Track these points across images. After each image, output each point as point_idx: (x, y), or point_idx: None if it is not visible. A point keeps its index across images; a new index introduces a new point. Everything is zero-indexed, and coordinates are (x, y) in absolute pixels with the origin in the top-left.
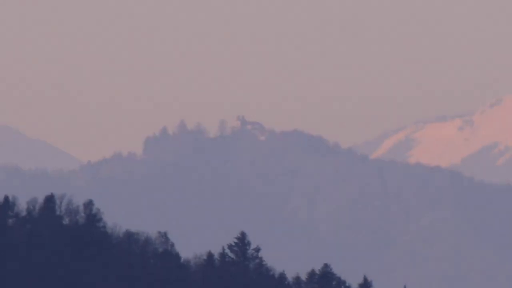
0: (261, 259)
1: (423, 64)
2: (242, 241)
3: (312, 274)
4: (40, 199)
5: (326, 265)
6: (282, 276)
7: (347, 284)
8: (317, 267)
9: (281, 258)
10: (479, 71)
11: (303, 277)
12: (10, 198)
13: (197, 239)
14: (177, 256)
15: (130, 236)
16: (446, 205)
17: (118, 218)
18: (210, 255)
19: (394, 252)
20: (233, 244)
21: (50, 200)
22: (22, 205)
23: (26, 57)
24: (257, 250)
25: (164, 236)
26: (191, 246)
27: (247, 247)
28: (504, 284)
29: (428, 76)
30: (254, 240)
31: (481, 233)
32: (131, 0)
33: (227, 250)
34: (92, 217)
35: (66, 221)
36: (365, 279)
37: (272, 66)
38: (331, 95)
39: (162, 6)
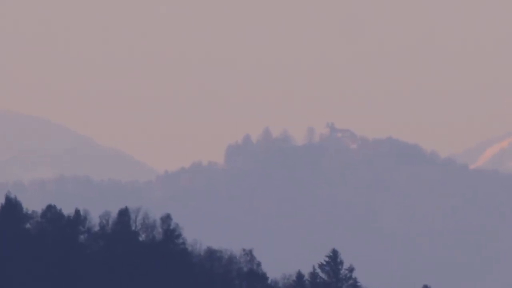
0: (355, 279)
1: None
2: (334, 260)
3: None
4: (114, 212)
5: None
6: None
7: None
8: (416, 287)
9: (376, 278)
10: None
11: None
12: (82, 212)
13: (285, 257)
14: (263, 276)
15: (212, 254)
16: None
17: (199, 233)
18: (299, 276)
19: (499, 275)
20: (324, 263)
21: (124, 214)
22: (94, 220)
23: (97, 60)
24: (351, 270)
25: (249, 254)
26: (279, 265)
27: (340, 267)
28: None
29: None
30: (347, 258)
31: None
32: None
33: (318, 270)
34: (170, 233)
35: (142, 237)
36: None
37: (363, 69)
38: (428, 101)
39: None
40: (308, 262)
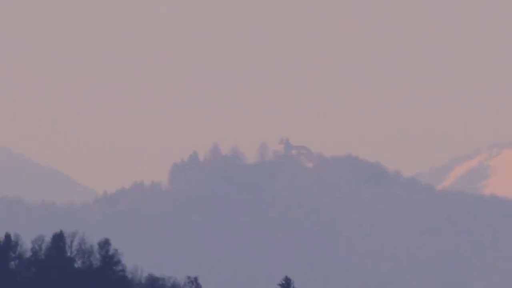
0: None
1: (499, 78)
2: None
3: None
4: (48, 237)
5: None
6: None
7: None
8: None
9: None
10: None
11: None
12: (12, 236)
13: (234, 285)
14: None
15: (154, 282)
16: None
17: (140, 260)
18: None
19: None
20: None
21: (59, 238)
22: (26, 245)
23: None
24: None
25: (194, 282)
26: None
27: None
28: None
29: (505, 92)
30: (301, 287)
31: None
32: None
33: None
34: (109, 259)
35: (78, 263)
36: None
37: (320, 81)
38: (390, 115)
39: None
40: None
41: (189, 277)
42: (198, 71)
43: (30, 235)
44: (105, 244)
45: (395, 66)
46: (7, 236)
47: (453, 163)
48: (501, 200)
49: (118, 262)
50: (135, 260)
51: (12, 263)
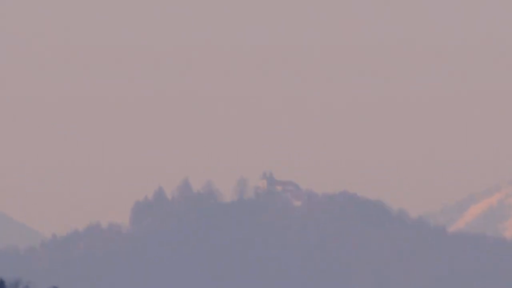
0: None
1: None
2: None
3: None
4: None
5: None
6: None
7: None
8: None
9: None
10: None
11: None
12: None
13: None
14: None
15: None
16: None
17: None
18: None
19: None
20: None
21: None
22: None
23: None
24: None
25: None
26: None
27: None
28: None
29: None
30: None
31: None
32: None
33: None
34: None
35: None
36: None
37: (310, 106)
38: (393, 144)
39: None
40: None
41: None
42: (163, 93)
43: None
44: None
45: (399, 86)
46: None
47: (469, 201)
48: None
49: None
50: None
51: None
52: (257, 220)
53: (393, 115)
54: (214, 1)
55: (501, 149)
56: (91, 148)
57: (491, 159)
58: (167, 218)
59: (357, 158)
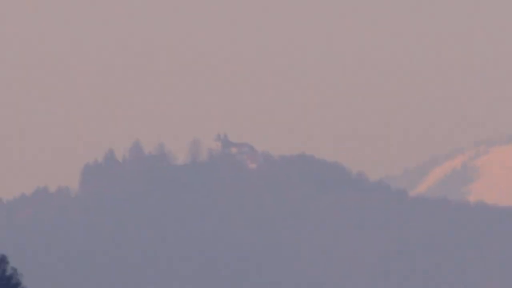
0: None
1: (486, 67)
2: None
3: None
4: None
5: None
6: None
7: None
8: None
9: None
10: None
11: None
12: None
13: None
14: None
15: None
16: None
17: (44, 282)
18: None
19: None
20: None
21: None
22: None
23: None
24: None
25: None
26: None
27: None
28: None
29: (493, 82)
30: None
31: None
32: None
33: None
34: (6, 281)
35: None
36: None
37: (265, 65)
38: (352, 104)
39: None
40: None
41: None
42: (114, 53)
43: None
44: (1, 262)
45: (357, 45)
46: None
47: (431, 164)
48: (490, 208)
49: (18, 284)
50: (39, 281)
51: None
52: (211, 183)
53: (353, 75)
54: None
55: (464, 110)
56: (39, 108)
57: (454, 120)
58: (118, 181)
59: (315, 120)
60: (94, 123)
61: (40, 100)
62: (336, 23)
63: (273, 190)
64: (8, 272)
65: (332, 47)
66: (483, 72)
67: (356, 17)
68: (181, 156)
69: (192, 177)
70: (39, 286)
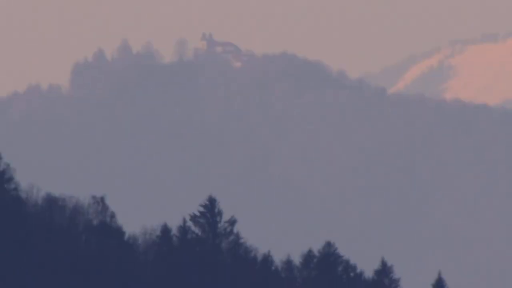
0: (237, 235)
1: None
2: (210, 210)
3: (309, 256)
4: None
5: (328, 245)
6: (267, 259)
7: (358, 270)
8: (316, 247)
9: (265, 234)
10: None
11: (297, 260)
12: None
13: (147, 208)
14: (119, 230)
15: (52, 202)
16: (497, 158)
17: (36, 177)
18: (165, 230)
19: (420, 225)
20: (198, 214)
21: None
22: None
23: None
24: (232, 222)
25: (101, 202)
26: (139, 217)
27: (218, 219)
28: None
29: None
30: (227, 209)
31: None
32: None
33: (189, 223)
34: None
35: None
36: (383, 264)
37: None
38: (333, 5)
39: None
40: (178, 215)
41: (94, 197)
42: None
43: None
44: None
45: None
46: None
47: (409, 62)
48: (465, 105)
49: (10, 179)
50: (30, 177)
51: None
52: (196, 82)
53: None
54: None
55: (441, 8)
56: (31, 9)
57: (431, 18)
58: (107, 79)
59: (298, 18)
60: (85, 22)
61: (34, 1)
62: None
63: (257, 88)
64: (1, 167)
65: None
66: None
67: None
68: (168, 55)
69: (179, 75)
70: (28, 180)
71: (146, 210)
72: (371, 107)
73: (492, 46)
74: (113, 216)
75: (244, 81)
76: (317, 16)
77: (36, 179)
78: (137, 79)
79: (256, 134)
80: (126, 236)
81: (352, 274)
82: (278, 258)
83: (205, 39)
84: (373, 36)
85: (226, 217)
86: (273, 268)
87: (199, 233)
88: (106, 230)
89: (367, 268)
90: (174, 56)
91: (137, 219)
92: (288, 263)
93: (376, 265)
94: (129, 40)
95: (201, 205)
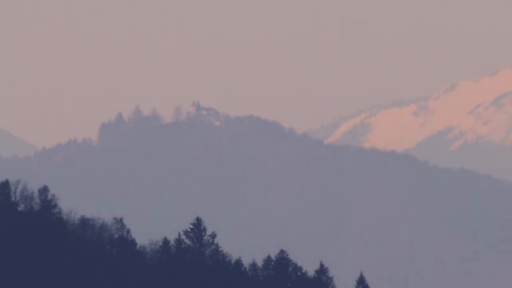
0: (217, 245)
1: (378, 49)
2: (198, 227)
3: (268, 260)
4: None
5: (282, 251)
6: (238, 263)
7: (303, 270)
8: (273, 254)
9: (237, 245)
10: (434, 57)
11: (259, 263)
12: None
13: (153, 226)
14: (133, 242)
15: (85, 222)
16: (401, 189)
17: (74, 204)
18: (165, 242)
19: (349, 237)
20: (189, 230)
21: (4, 186)
22: None
23: None
24: (213, 236)
25: (119, 222)
26: (147, 233)
27: (203, 233)
28: (456, 267)
29: (383, 61)
30: (210, 226)
31: (434, 216)
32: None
33: (183, 237)
34: (47, 203)
35: (21, 207)
36: (322, 266)
37: (227, 51)
38: (286, 80)
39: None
40: (175, 231)
41: (115, 218)
42: (123, 40)
43: None
44: (44, 190)
45: (291, 36)
46: None
47: (340, 121)
48: (380, 152)
49: (55, 206)
50: (69, 205)
51: None
52: (188, 136)
53: (288, 54)
54: None
55: (363, 81)
56: (74, 83)
57: (356, 89)
58: (125, 134)
59: (261, 89)
60: (109, 93)
61: (73, 75)
62: None
63: (230, 141)
64: (49, 197)
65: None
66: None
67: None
68: (168, 117)
69: (176, 132)
70: (68, 207)
71: (151, 227)
72: (313, 153)
73: (398, 109)
74: (128, 232)
75: (222, 136)
76: (277, 86)
77: (73, 206)
78: (146, 134)
79: (231, 173)
80: (138, 246)
81: (299, 273)
82: (246, 262)
83: (194, 105)
84: (314, 101)
85: (209, 232)
86: (242, 269)
87: (190, 244)
88: (123, 242)
89: (310, 268)
90: (172, 118)
91: (145, 234)
92: (254, 265)
93: (316, 266)
94: (140, 106)
95: (191, 224)
